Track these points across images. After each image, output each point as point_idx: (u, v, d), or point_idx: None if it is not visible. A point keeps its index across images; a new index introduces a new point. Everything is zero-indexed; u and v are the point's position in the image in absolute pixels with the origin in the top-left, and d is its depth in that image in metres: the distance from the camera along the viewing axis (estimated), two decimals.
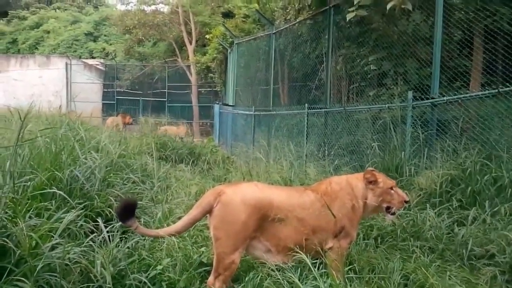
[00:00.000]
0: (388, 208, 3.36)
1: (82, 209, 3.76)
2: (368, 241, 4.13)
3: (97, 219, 3.80)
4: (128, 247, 3.59)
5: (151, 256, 3.57)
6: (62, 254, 2.89)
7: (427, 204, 4.52)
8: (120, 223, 3.36)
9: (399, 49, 6.84)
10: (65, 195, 3.65)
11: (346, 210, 3.20)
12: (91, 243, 3.38)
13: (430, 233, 4.08)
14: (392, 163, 5.51)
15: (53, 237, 3.07)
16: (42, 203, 3.52)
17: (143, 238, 3.85)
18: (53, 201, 3.65)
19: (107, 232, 3.58)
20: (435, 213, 4.33)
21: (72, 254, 3.02)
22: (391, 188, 3.34)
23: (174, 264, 3.43)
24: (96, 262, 3.07)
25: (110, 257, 3.20)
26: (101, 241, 3.49)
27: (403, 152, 5.56)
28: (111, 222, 3.94)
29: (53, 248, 3.00)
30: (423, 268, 3.41)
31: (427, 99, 5.88)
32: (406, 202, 3.40)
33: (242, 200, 3.02)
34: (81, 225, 3.58)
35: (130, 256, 3.48)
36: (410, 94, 5.95)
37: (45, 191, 3.66)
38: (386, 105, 6.39)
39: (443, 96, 5.59)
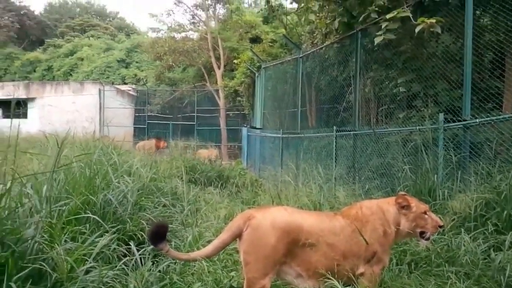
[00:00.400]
0: (422, 233, 3.30)
1: (115, 232, 3.84)
2: (402, 267, 4.04)
3: (130, 243, 3.88)
4: (159, 271, 3.64)
5: (182, 280, 3.60)
6: (97, 278, 2.95)
7: (462, 229, 4.39)
8: (151, 246, 3.41)
9: (429, 71, 6.78)
10: (99, 219, 3.74)
11: (377, 235, 3.16)
12: (123, 266, 3.45)
13: (466, 259, 3.95)
14: (425, 187, 5.40)
15: (87, 260, 3.14)
16: (77, 227, 3.62)
17: (174, 261, 3.89)
18: (87, 225, 3.74)
19: (139, 255, 3.65)
20: (470, 237, 4.21)
21: (106, 278, 3.08)
22: (425, 213, 3.29)
23: None
24: (129, 286, 3.12)
25: (143, 280, 3.25)
26: (133, 265, 3.55)
27: (435, 175, 5.45)
28: (143, 245, 4.00)
29: (87, 271, 3.07)
30: None
31: (459, 121, 5.77)
32: (440, 226, 3.35)
33: (272, 224, 3.00)
34: (114, 248, 3.65)
35: (162, 280, 3.53)
36: (441, 116, 5.87)
37: (80, 216, 3.76)
38: (417, 127, 6.31)
39: (475, 118, 5.49)
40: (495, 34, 5.95)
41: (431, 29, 5.82)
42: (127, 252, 3.75)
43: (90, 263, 3.12)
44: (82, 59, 35.86)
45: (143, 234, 4.20)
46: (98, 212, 4.02)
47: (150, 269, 3.56)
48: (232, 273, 3.75)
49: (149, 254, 3.80)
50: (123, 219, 4.27)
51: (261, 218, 3.05)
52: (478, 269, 3.79)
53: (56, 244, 3.06)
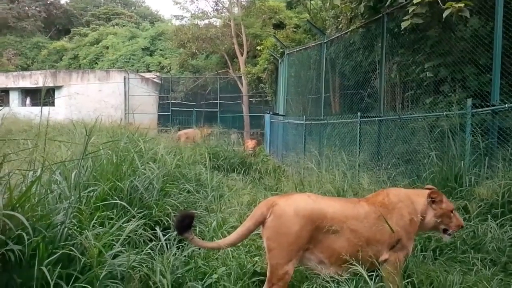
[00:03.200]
0: (445, 230, 3.43)
1: (141, 218, 3.92)
2: (426, 253, 4.02)
3: (155, 228, 3.96)
4: (185, 256, 3.71)
5: (206, 264, 3.67)
6: (124, 262, 3.03)
7: (488, 215, 4.32)
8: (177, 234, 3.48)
9: (457, 55, 6.61)
10: (126, 205, 3.83)
11: (403, 222, 3.17)
12: (150, 251, 3.53)
13: (492, 245, 3.90)
14: (451, 173, 5.31)
15: (115, 245, 3.22)
16: (105, 213, 3.71)
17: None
18: (115, 211, 3.83)
19: (165, 240, 3.72)
20: (497, 224, 4.14)
21: (133, 262, 3.16)
22: (451, 211, 3.38)
23: (229, 273, 3.50)
24: (155, 270, 3.19)
25: (169, 265, 3.32)
26: (159, 249, 3.63)
27: (462, 162, 5.34)
28: (168, 230, 4.08)
29: (115, 256, 3.15)
30: (484, 282, 3.28)
31: (487, 106, 5.63)
32: (461, 227, 3.50)
33: (295, 211, 3.02)
34: (141, 233, 3.74)
35: (187, 264, 3.60)
36: (469, 101, 5.73)
37: (108, 202, 3.85)
38: (444, 113, 6.18)
39: (504, 103, 5.34)
40: None
41: (460, 13, 5.65)
42: (153, 237, 3.83)
43: (118, 247, 3.20)
44: (107, 48, 36.29)
45: (169, 220, 4.28)
46: (125, 198, 4.12)
47: (176, 254, 3.63)
48: (256, 258, 3.79)
49: (174, 239, 3.87)
50: (149, 204, 4.36)
51: (284, 205, 3.07)
52: (504, 256, 3.74)
53: (85, 230, 3.15)
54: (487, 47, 5.94)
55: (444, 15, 5.73)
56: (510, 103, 5.23)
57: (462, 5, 5.60)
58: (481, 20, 6.32)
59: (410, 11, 6.35)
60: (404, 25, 6.50)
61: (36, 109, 21.91)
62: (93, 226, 3.38)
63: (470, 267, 3.61)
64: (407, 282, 3.21)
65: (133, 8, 51.84)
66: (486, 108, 5.62)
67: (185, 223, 3.07)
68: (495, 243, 3.91)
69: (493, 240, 3.96)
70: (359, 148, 8.44)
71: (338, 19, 11.40)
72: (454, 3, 5.67)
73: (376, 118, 8.22)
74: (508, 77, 5.65)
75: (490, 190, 4.60)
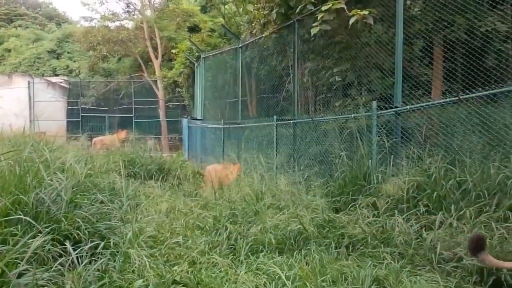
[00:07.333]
0: None
1: (49, 233, 3.65)
2: (340, 250, 4.19)
3: (65, 242, 3.71)
4: (98, 270, 3.51)
5: (122, 278, 3.50)
6: (31, 281, 2.80)
7: (395, 211, 4.61)
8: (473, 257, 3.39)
9: (363, 60, 7.01)
10: (31, 220, 3.54)
11: None
12: (59, 267, 3.30)
13: (400, 239, 4.16)
14: (360, 172, 5.61)
15: (20, 263, 2.97)
16: (7, 229, 3.40)
17: (114, 259, 3.75)
18: (19, 226, 3.53)
19: (76, 255, 3.50)
20: (403, 219, 4.43)
21: (41, 280, 2.94)
22: None
23: (147, 285, 3.37)
24: (65, 287, 2.99)
25: (80, 281, 3.13)
26: (69, 265, 3.40)
27: (370, 161, 5.67)
28: (80, 244, 3.84)
29: (20, 275, 2.91)
30: (394, 274, 3.48)
31: (391, 108, 6.03)
32: None
33: None
34: (49, 249, 3.48)
35: (101, 279, 3.41)
36: (374, 104, 6.10)
37: (11, 217, 3.53)
38: (352, 115, 6.52)
39: (406, 104, 5.75)
40: (424, 24, 6.24)
41: (364, 20, 6.01)
42: (63, 252, 3.58)
43: (23, 266, 2.96)
44: (9, 51, 33.67)
45: (79, 233, 4.02)
46: (30, 212, 3.80)
47: (88, 269, 3.43)
48: (175, 268, 3.70)
49: (86, 253, 3.65)
50: (57, 218, 4.06)
51: None
52: (411, 248, 4.00)
53: None
54: (390, 52, 6.37)
55: (350, 22, 6.06)
56: (411, 104, 5.66)
57: (367, 12, 5.96)
58: (384, 26, 6.77)
59: (318, 18, 6.63)
60: (313, 31, 6.77)
61: None
62: None
63: (381, 261, 3.82)
64: (322, 280, 3.31)
65: (38, 9, 48.51)
66: (390, 110, 6.01)
67: (479, 245, 3.00)
68: (402, 236, 4.18)
69: (400, 234, 4.22)
70: (276, 150, 8.63)
71: (252, 24, 11.59)
72: (359, 10, 6.01)
73: (291, 121, 8.47)
74: (409, 80, 6.11)
75: (396, 186, 4.91)
